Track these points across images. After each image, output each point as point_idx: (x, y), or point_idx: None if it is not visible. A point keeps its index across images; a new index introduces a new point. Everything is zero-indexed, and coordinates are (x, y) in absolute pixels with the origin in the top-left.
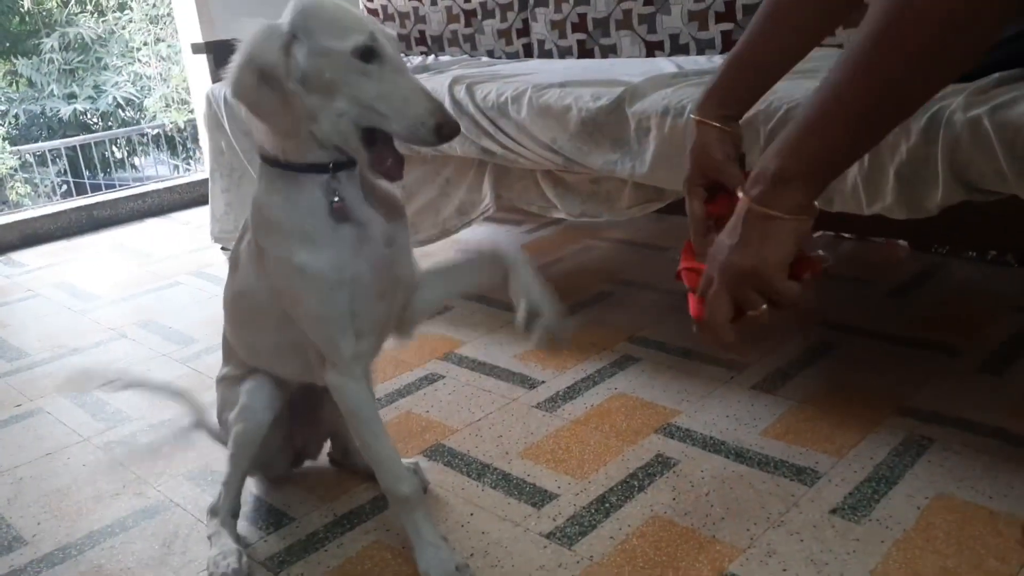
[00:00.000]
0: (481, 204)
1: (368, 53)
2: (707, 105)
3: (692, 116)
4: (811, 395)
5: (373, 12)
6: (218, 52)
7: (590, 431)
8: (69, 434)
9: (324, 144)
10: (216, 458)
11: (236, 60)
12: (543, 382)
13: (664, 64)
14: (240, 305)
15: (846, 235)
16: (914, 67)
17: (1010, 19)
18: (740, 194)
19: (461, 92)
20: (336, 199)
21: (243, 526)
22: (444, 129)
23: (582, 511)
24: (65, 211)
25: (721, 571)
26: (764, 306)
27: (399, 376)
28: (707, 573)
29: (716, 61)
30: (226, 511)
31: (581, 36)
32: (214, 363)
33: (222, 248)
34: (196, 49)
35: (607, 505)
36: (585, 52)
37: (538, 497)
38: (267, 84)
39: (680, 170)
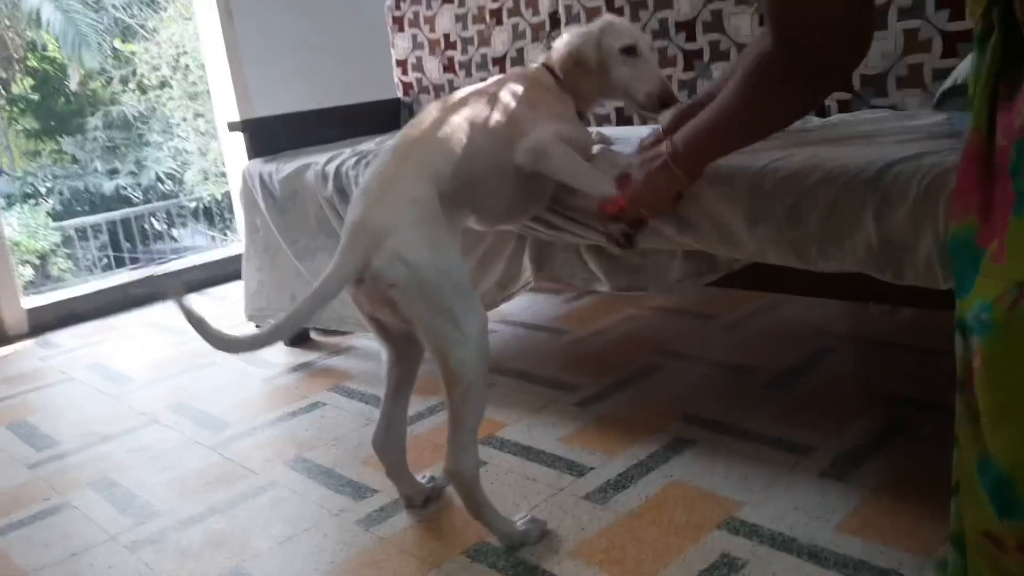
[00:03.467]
0: (521, 278)
1: (630, 50)
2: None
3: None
4: (886, 481)
5: (407, 85)
6: (254, 130)
7: (646, 526)
8: (96, 532)
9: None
10: (248, 557)
11: (563, 47)
12: (592, 468)
13: None
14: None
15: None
16: (757, 122)
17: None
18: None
19: None
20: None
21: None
22: (664, 99)
23: None
24: (102, 291)
25: None
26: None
27: (436, 463)
28: None
29: None
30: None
31: (621, 103)
32: (244, 449)
33: (256, 326)
34: (232, 127)
35: None
36: (624, 120)
37: None
38: (579, 66)
39: (734, 239)
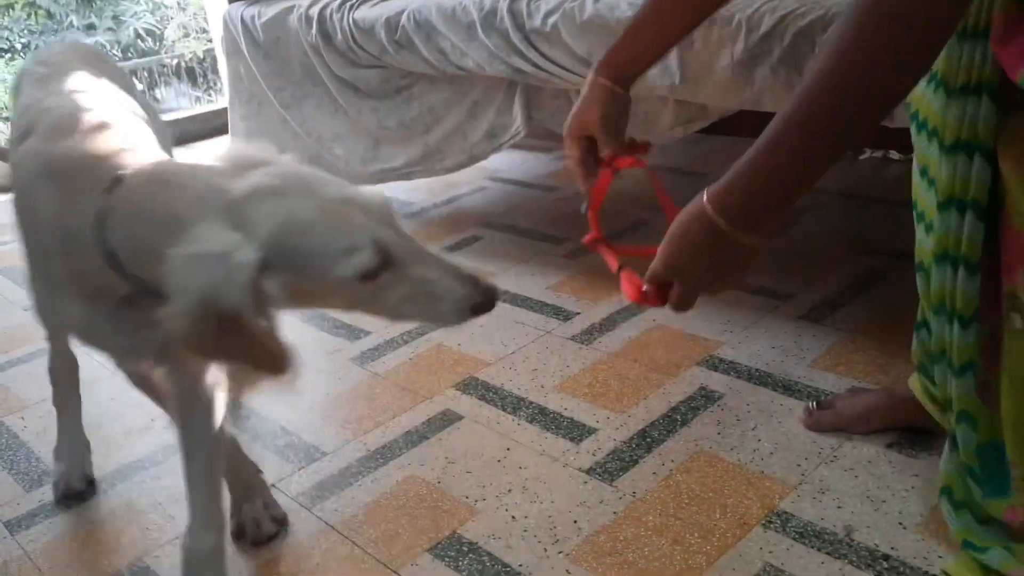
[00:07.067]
0: (512, 127)
1: (376, 271)
2: (607, 66)
3: (592, 73)
4: (862, 325)
5: None
6: None
7: (628, 364)
8: (97, 367)
9: None
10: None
11: (178, 304)
12: (578, 313)
13: None
14: None
15: (895, 155)
16: (848, 105)
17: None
18: (709, 210)
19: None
20: None
21: (274, 461)
22: (480, 309)
23: (623, 446)
24: None
25: (772, 508)
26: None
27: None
28: (756, 510)
29: None
30: None
31: None
32: None
33: None
34: None
35: (649, 440)
36: None
37: (576, 431)
38: (229, 328)
39: (725, 83)
